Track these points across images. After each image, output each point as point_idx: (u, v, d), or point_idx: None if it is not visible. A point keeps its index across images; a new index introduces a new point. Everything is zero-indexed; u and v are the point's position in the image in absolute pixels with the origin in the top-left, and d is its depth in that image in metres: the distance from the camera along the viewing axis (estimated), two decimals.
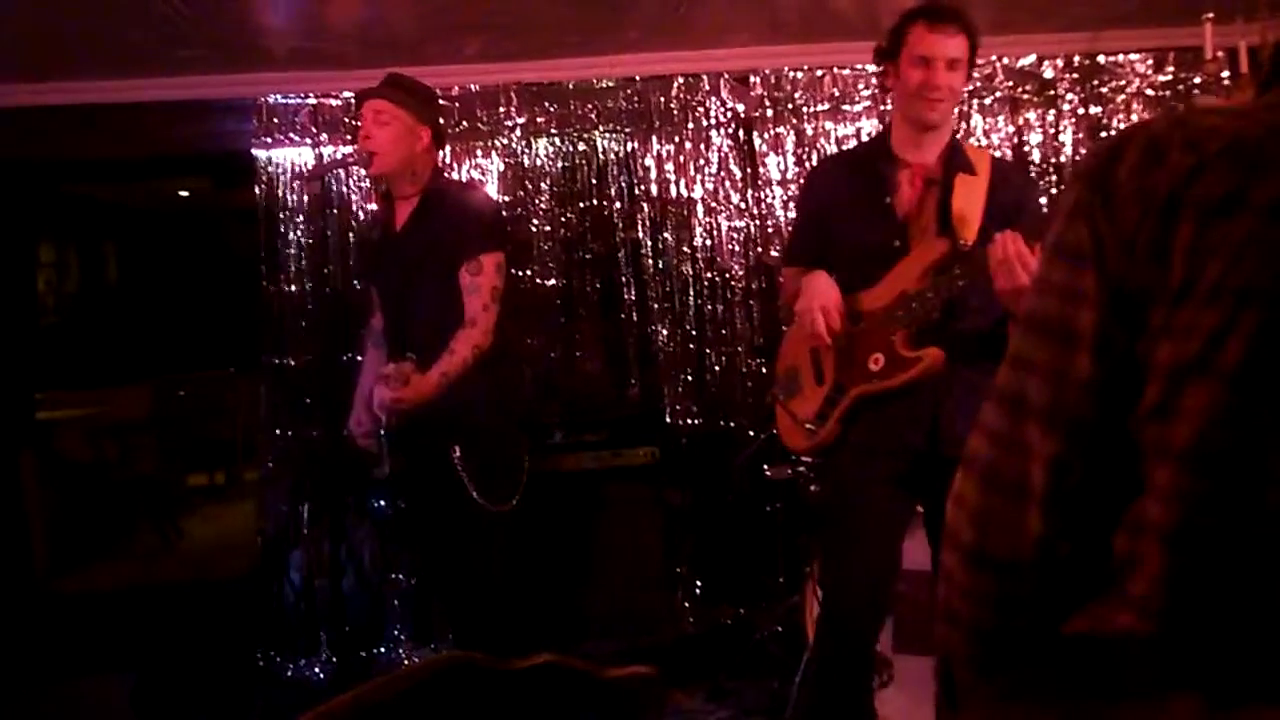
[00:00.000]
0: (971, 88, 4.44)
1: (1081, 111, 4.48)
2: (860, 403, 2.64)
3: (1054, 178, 4.45)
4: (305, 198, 4.32)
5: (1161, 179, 0.93)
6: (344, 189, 4.36)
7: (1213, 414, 0.91)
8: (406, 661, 4.14)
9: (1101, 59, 4.46)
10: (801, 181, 3.91)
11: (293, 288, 4.32)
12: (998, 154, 4.12)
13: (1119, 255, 0.95)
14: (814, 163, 4.29)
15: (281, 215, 4.33)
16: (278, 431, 4.30)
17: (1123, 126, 3.78)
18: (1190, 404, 0.91)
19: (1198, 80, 4.36)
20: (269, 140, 4.33)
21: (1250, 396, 0.90)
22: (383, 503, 4.13)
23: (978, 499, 1.03)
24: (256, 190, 4.33)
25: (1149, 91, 4.47)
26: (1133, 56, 4.46)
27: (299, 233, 4.33)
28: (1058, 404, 0.98)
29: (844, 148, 4.29)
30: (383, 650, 4.18)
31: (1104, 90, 4.47)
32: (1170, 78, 4.45)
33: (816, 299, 2.64)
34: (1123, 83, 4.47)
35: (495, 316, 3.01)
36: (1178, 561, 0.93)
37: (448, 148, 4.34)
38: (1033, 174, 4.37)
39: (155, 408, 7.67)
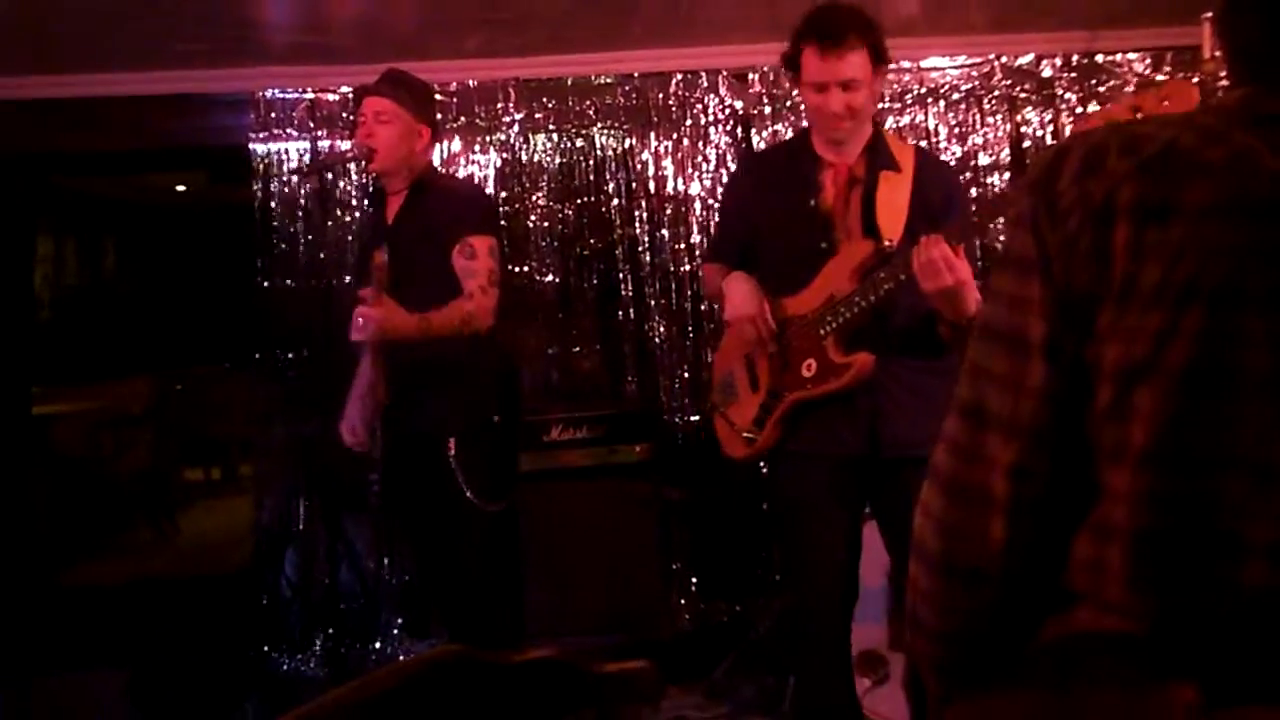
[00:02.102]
0: (970, 85, 4.44)
1: (1080, 110, 4.47)
2: (796, 409, 2.63)
3: None
4: (302, 192, 4.32)
5: (1099, 185, 0.95)
6: (341, 184, 4.35)
7: (1164, 415, 0.92)
8: (403, 656, 4.14)
9: (1100, 58, 4.46)
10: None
11: (289, 282, 4.32)
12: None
13: (1063, 260, 0.97)
14: None
15: (278, 210, 4.32)
16: (274, 427, 4.30)
17: None
18: (1141, 405, 0.93)
19: (1196, 80, 4.36)
20: (266, 135, 4.32)
21: (1199, 396, 0.91)
22: (378, 497, 4.13)
23: (943, 509, 1.05)
24: (253, 185, 4.33)
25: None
26: (1131, 56, 4.46)
27: (296, 227, 4.33)
28: (1015, 412, 1.00)
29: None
30: (379, 645, 4.18)
31: (1102, 89, 4.47)
32: (1168, 77, 4.45)
33: (744, 308, 2.66)
34: (1121, 82, 4.47)
35: (494, 301, 2.98)
36: (1146, 564, 0.94)
37: (446, 143, 4.34)
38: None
39: (152, 403, 7.65)
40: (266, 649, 4.14)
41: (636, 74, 4.42)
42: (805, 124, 2.88)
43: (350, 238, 4.31)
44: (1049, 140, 4.48)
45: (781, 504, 2.79)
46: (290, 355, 4.28)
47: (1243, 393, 0.90)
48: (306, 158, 4.30)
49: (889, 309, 2.54)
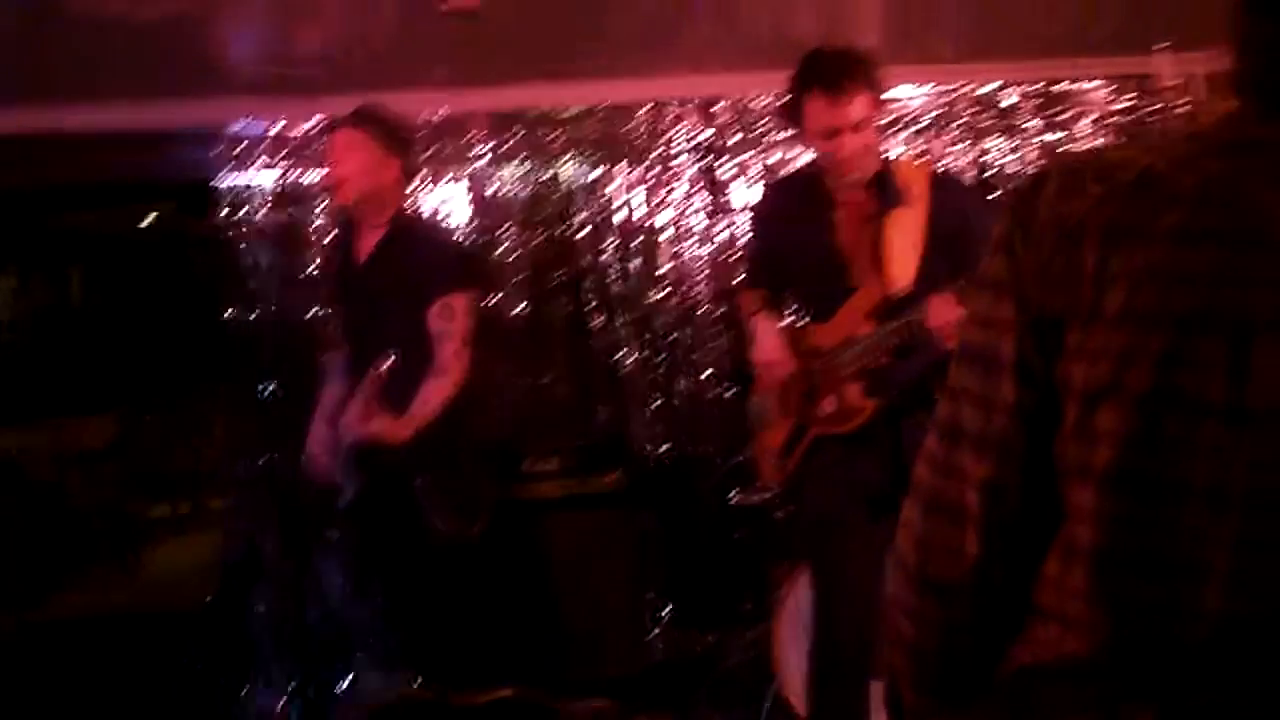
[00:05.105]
0: (933, 114, 4.48)
1: (1041, 139, 4.52)
2: (819, 442, 2.67)
3: None
4: (269, 224, 4.29)
5: (1073, 208, 0.97)
6: (309, 215, 4.33)
7: (1125, 436, 0.93)
8: (371, 694, 4.09)
9: (1063, 86, 4.51)
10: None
11: (257, 314, 4.29)
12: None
13: (1036, 282, 0.98)
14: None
15: (245, 242, 4.30)
16: (242, 460, 4.26)
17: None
18: (1103, 426, 0.94)
19: (1157, 108, 4.42)
20: (233, 167, 4.29)
21: (1157, 419, 0.92)
22: (348, 532, 4.09)
23: (920, 524, 1.07)
24: (220, 217, 4.30)
25: (1109, 119, 4.52)
26: (1092, 84, 4.51)
27: (263, 260, 4.30)
28: (987, 429, 1.02)
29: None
30: (347, 682, 4.13)
31: (1064, 118, 4.52)
32: (1130, 105, 4.51)
33: (760, 355, 2.77)
34: (1083, 110, 4.52)
35: (468, 361, 2.98)
36: (1106, 584, 0.95)
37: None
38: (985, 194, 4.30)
39: (119, 436, 7.57)
40: (235, 685, 4.08)
41: (605, 104, 4.43)
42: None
43: (315, 269, 4.28)
44: (1011, 169, 4.52)
45: (810, 525, 2.79)
46: (257, 388, 4.24)
47: (1200, 418, 0.91)
48: (274, 190, 4.28)
49: (906, 354, 2.54)
